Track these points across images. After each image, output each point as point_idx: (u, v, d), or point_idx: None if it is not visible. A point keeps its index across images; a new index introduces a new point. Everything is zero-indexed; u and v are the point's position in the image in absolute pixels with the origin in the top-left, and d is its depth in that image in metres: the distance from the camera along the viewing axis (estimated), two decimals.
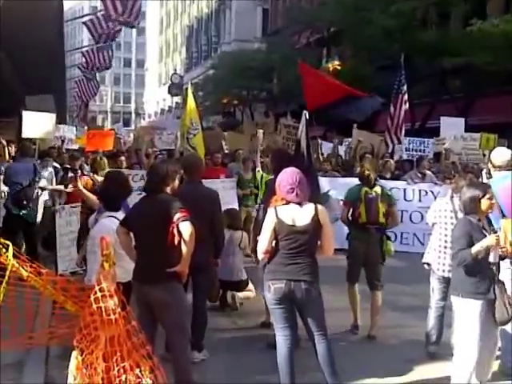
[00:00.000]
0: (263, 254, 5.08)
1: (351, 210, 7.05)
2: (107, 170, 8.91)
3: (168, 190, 5.11)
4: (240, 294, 8.02)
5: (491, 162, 6.46)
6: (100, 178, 8.45)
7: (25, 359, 5.57)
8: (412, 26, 22.09)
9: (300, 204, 5.03)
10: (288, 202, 5.03)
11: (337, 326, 6.63)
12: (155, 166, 5.39)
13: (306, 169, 6.11)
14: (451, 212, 6.13)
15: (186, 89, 12.29)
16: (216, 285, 7.44)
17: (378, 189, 7.05)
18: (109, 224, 5.44)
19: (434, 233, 6.42)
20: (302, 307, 5.14)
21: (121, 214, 5.59)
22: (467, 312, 5.01)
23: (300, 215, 5.00)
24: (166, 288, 4.86)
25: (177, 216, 4.75)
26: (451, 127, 14.57)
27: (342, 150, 15.93)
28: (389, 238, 7.23)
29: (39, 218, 9.70)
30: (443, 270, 6.21)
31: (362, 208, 6.91)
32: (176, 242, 4.76)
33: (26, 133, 11.69)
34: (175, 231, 4.76)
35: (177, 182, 5.35)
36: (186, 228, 4.74)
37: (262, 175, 11.45)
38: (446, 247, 6.15)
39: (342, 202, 7.55)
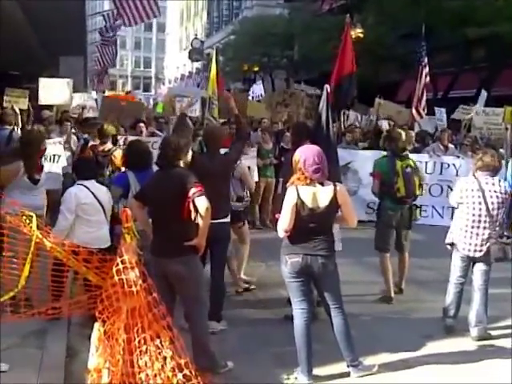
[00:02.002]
0: (284, 232, 5.05)
1: (385, 184, 7.25)
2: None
3: (181, 163, 5.13)
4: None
5: None
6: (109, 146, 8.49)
7: (48, 327, 5.68)
8: None
9: (322, 183, 5.01)
10: (311, 182, 4.98)
11: (353, 298, 6.66)
12: (167, 140, 5.33)
13: (325, 143, 6.09)
14: (478, 191, 6.01)
15: (210, 54, 12.23)
16: None
17: (411, 162, 7.37)
18: (73, 190, 5.90)
19: (459, 212, 6.26)
20: (318, 281, 5.19)
21: (92, 183, 5.92)
22: None
23: (320, 196, 4.99)
24: (183, 261, 4.91)
25: (192, 191, 4.78)
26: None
27: (364, 120, 15.77)
28: (418, 207, 7.64)
29: (59, 185, 9.76)
30: (469, 250, 6.13)
31: (401, 182, 7.15)
32: (192, 216, 4.80)
33: (43, 99, 11.73)
34: (191, 206, 4.79)
35: (189, 155, 5.36)
36: (202, 203, 4.77)
37: None
38: (473, 227, 6.07)
39: (370, 174, 7.67)
